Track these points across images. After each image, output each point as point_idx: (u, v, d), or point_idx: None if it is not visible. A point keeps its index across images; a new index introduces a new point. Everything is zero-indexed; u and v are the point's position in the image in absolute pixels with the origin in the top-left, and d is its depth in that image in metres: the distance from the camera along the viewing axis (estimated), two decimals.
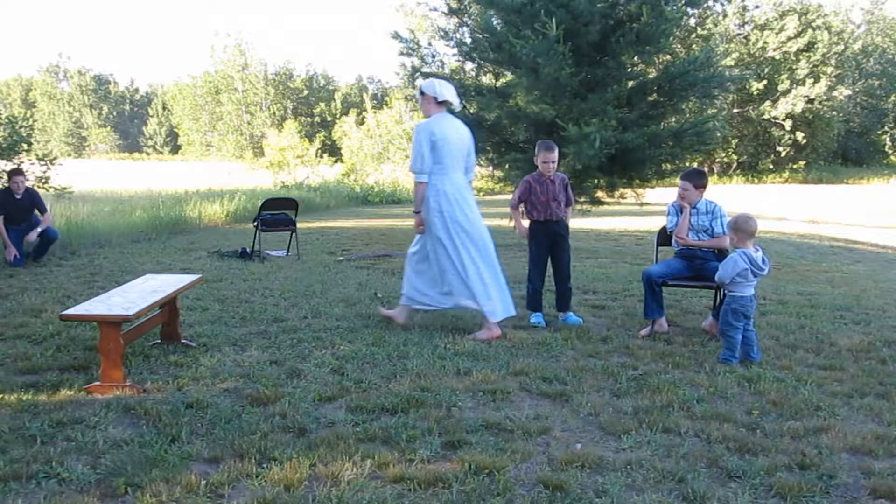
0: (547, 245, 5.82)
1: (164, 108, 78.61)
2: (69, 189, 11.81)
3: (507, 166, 11.31)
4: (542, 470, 3.04)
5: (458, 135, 5.19)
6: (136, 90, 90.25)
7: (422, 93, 5.24)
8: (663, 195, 10.80)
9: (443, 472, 2.98)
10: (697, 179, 5.49)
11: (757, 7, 39.04)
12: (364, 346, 4.87)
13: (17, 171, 8.39)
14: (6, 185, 8.61)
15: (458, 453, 3.18)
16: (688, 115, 11.83)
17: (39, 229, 8.36)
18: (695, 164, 13.91)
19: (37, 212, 8.47)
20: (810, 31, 37.26)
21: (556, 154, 5.73)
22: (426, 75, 11.77)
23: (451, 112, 5.46)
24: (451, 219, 5.12)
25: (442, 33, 11.91)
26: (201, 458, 3.11)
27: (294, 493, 2.80)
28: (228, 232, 12.73)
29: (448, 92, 5.18)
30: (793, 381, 4.28)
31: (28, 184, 9.02)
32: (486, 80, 12.51)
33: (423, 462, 3.09)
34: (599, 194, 11.04)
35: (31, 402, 3.71)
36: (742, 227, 4.69)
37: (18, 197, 8.27)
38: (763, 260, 4.69)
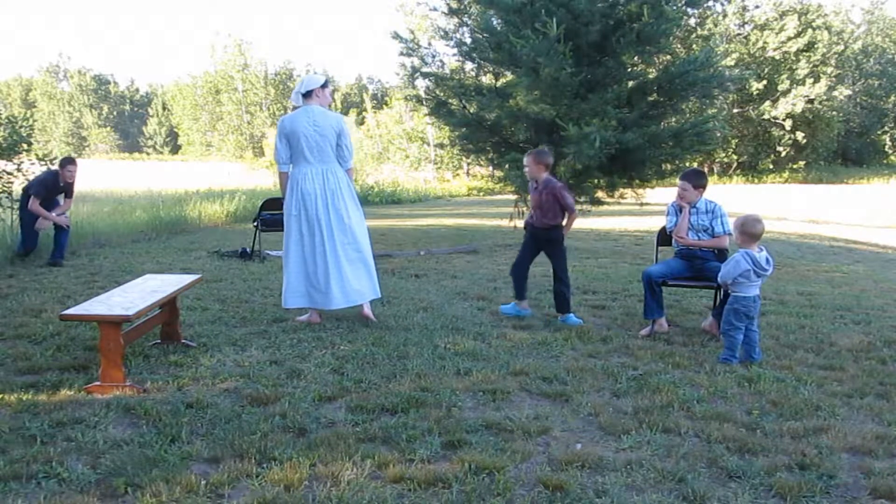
0: (528, 246, 5.99)
1: (164, 108, 78.57)
2: None
3: (507, 166, 11.30)
4: (542, 470, 3.04)
5: (313, 128, 5.33)
6: (136, 90, 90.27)
7: None
8: (663, 195, 10.79)
9: (443, 472, 2.98)
10: (696, 180, 5.49)
11: (757, 7, 39.02)
12: (364, 346, 4.87)
13: (72, 161, 8.64)
14: (50, 167, 8.99)
15: (458, 453, 3.18)
16: (688, 115, 11.80)
17: (66, 216, 8.66)
18: (695, 164, 13.91)
19: (61, 196, 8.74)
20: (810, 31, 37.24)
21: (531, 159, 5.75)
22: (426, 75, 11.77)
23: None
24: (291, 207, 5.45)
25: (442, 33, 11.89)
26: (201, 458, 3.11)
27: (294, 493, 2.80)
28: (228, 232, 12.73)
29: (298, 87, 5.48)
30: (793, 381, 4.28)
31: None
32: (486, 80, 12.49)
33: (423, 462, 3.09)
34: (599, 194, 11.03)
35: (31, 402, 3.71)
36: (748, 231, 4.67)
37: (62, 185, 8.53)
38: (767, 260, 4.68)
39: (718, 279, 4.85)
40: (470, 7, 11.46)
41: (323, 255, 5.41)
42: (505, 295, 6.79)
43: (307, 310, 5.61)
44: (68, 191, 8.69)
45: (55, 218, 8.33)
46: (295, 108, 5.56)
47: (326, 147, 5.38)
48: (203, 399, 3.76)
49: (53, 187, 8.47)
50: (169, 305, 4.77)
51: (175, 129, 73.94)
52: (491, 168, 11.97)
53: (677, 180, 5.62)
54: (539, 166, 5.74)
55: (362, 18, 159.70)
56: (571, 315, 5.79)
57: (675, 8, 9.82)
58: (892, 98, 45.72)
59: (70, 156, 9.15)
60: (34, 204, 8.23)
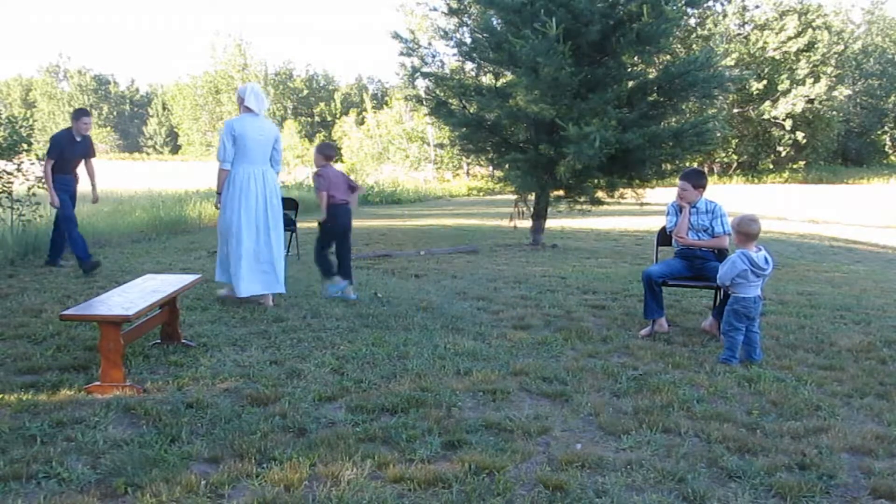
0: None
1: (164, 108, 78.64)
2: None
3: (507, 166, 11.31)
4: (542, 470, 3.04)
5: (259, 134, 6.05)
6: (136, 90, 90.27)
7: (239, 94, 6.17)
8: (663, 195, 10.80)
9: (443, 472, 2.98)
10: (696, 179, 5.49)
11: (757, 7, 39.08)
12: (364, 346, 4.87)
13: (86, 112, 8.18)
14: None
15: (458, 453, 3.18)
16: (688, 115, 11.81)
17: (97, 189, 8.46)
18: (695, 164, 13.91)
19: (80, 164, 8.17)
20: (810, 31, 37.30)
21: (313, 151, 6.73)
22: (426, 75, 11.78)
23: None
24: (239, 204, 5.99)
25: (442, 33, 11.90)
26: (201, 458, 3.11)
27: (294, 493, 2.80)
28: None
29: (253, 100, 6.06)
30: (793, 381, 4.28)
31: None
32: (486, 80, 12.50)
33: (423, 462, 3.09)
34: (599, 194, 11.04)
35: (31, 402, 3.71)
36: (744, 230, 4.67)
37: (78, 139, 7.95)
38: (766, 260, 4.67)
39: (717, 280, 4.85)
40: (470, 7, 11.46)
41: (269, 244, 6.11)
42: (505, 295, 6.79)
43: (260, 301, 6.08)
44: (88, 150, 8.10)
45: (54, 198, 7.75)
46: (247, 110, 6.06)
47: (267, 151, 6.14)
48: (203, 399, 3.76)
49: (69, 144, 7.86)
50: (169, 305, 4.77)
51: (175, 129, 74.00)
52: (491, 168, 12.00)
53: (677, 180, 5.62)
54: (319, 157, 6.56)
55: (362, 18, 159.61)
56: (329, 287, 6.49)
57: (675, 8, 9.82)
58: (892, 98, 45.76)
59: (84, 107, 8.62)
60: (47, 167, 7.73)
